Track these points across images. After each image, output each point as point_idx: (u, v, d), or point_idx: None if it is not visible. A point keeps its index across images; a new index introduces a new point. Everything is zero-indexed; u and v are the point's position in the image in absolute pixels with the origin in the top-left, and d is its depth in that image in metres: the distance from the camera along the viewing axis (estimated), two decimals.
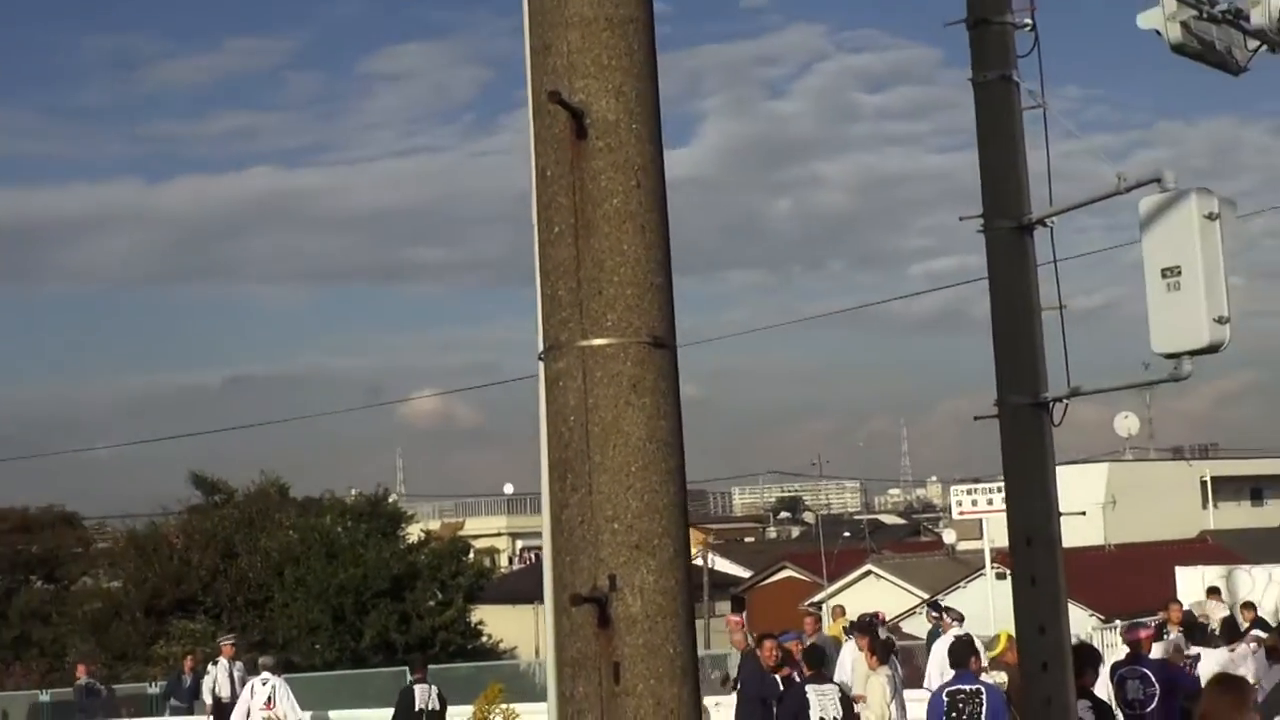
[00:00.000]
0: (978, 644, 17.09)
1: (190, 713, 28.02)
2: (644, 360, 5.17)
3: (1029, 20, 10.82)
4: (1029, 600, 11.01)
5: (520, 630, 56.29)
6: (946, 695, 14.47)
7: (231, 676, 26.23)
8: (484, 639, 52.26)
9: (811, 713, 16.52)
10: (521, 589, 63.29)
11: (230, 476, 57.71)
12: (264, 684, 25.08)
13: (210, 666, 27.67)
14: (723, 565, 69.65)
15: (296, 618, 49.44)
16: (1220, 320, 9.67)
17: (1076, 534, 47.93)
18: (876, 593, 47.98)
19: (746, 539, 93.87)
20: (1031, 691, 10.93)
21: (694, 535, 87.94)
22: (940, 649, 21.01)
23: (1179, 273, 9.84)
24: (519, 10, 6.13)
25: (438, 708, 22.94)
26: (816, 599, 51.73)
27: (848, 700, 17.00)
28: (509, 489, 73.61)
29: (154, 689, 35.23)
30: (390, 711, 23.62)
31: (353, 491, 56.51)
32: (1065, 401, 10.81)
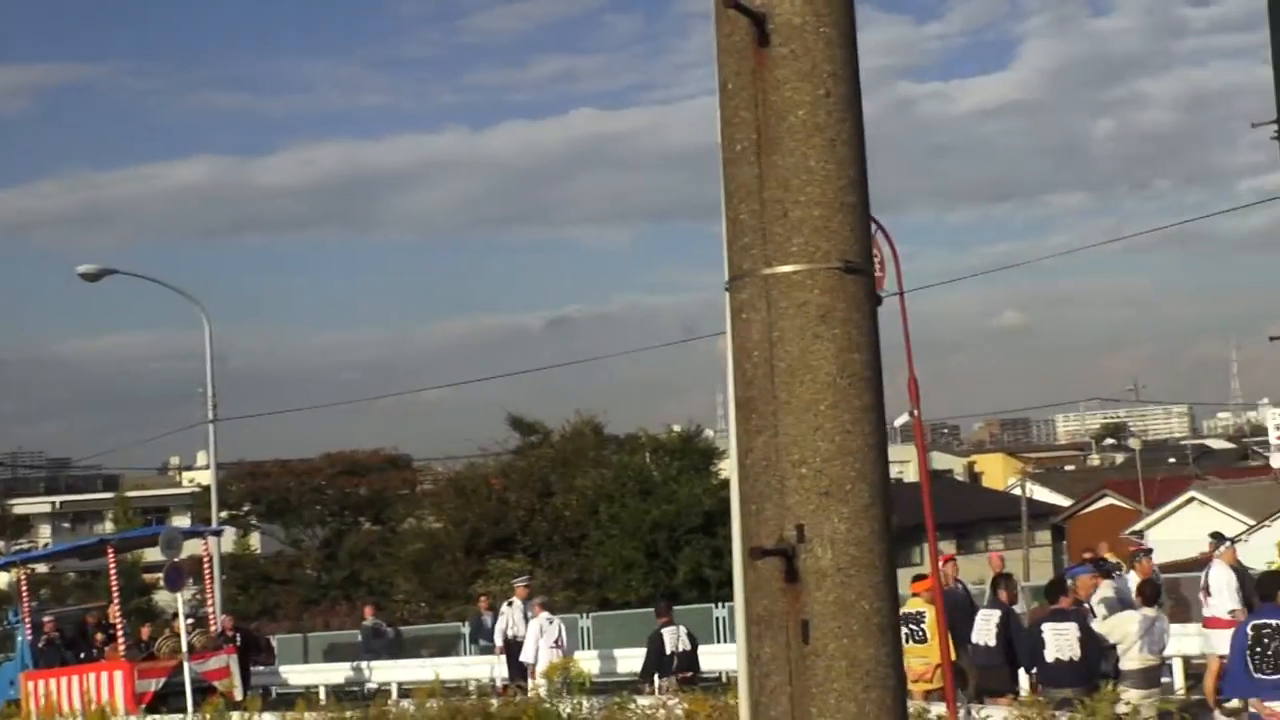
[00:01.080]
0: None
1: (493, 652, 28.32)
2: (834, 288, 4.67)
3: None
4: None
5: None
6: (1251, 629, 13.58)
7: (525, 617, 26.42)
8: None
9: (1047, 651, 16.08)
10: None
11: (548, 417, 58.44)
12: (550, 623, 25.27)
13: (504, 608, 27.92)
14: (1042, 494, 68.17)
15: (611, 555, 49.85)
16: None
17: None
18: (1200, 519, 46.15)
19: (1067, 467, 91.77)
20: None
21: (1012, 464, 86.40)
22: (1222, 577, 20.00)
23: None
24: None
25: (689, 648, 22.54)
26: (1137, 526, 50.21)
27: (1090, 637, 16.29)
28: (897, 422, 72.34)
29: (465, 628, 35.82)
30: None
31: (673, 428, 56.57)
32: None
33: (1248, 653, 13.27)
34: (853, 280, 4.71)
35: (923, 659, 18.57)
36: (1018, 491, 63.55)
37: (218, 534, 32.20)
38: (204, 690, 25.25)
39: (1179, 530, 42.17)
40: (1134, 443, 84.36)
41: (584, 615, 37.18)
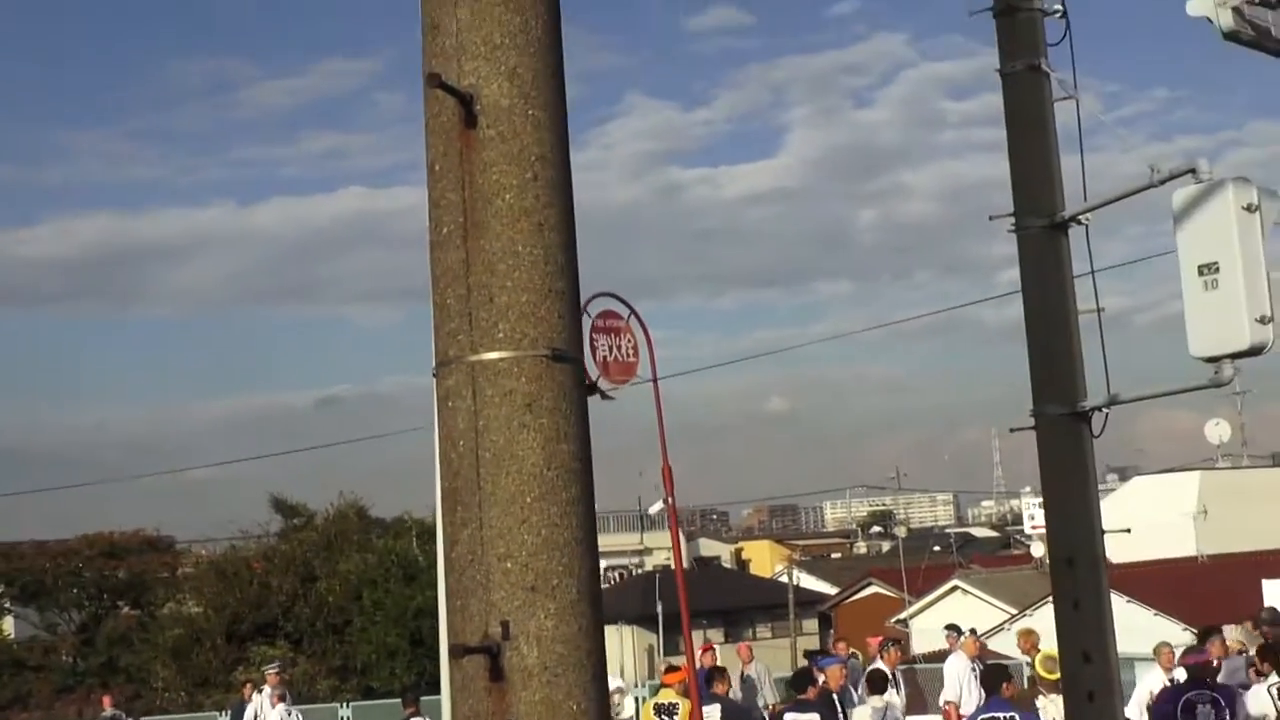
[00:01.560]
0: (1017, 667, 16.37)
1: None
2: (541, 376, 4.54)
3: (1059, 6, 10.19)
4: (1073, 626, 10.30)
5: (608, 650, 55.65)
6: None
7: (267, 706, 26.08)
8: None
9: None
10: (606, 608, 62.77)
11: (314, 499, 57.58)
12: (289, 714, 25.01)
13: (255, 695, 27.36)
14: (809, 581, 68.76)
15: (375, 642, 49.09)
16: (1263, 320, 8.95)
17: (1168, 545, 46.70)
18: (963, 608, 46.91)
19: (834, 554, 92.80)
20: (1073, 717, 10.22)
21: (780, 550, 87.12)
22: (951, 668, 20.30)
23: (1216, 269, 9.13)
24: None
25: None
26: (902, 615, 50.83)
27: None
28: (652, 510, 72.36)
29: (223, 717, 34.93)
30: None
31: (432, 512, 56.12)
32: (1105, 410, 10.11)
33: None
34: (560, 369, 4.58)
35: None
36: (785, 579, 64.01)
37: None
38: None
39: (942, 618, 42.69)
40: (900, 530, 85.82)
41: (344, 704, 36.53)
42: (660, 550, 77.69)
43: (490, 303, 4.55)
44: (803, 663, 22.51)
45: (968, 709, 18.60)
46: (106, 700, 35.60)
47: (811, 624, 60.96)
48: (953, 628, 23.14)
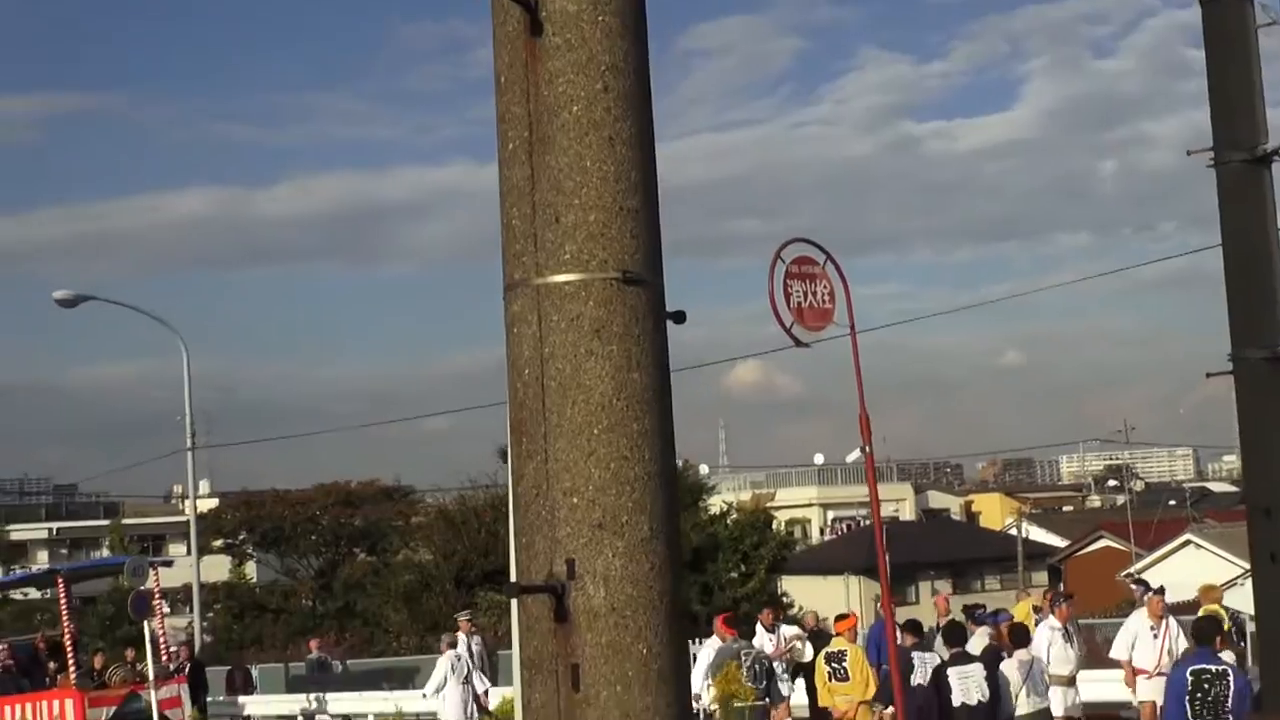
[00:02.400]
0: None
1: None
2: (610, 300, 4.26)
3: None
4: (1270, 580, 9.75)
5: (832, 601, 55.31)
6: (1190, 674, 13.11)
7: (470, 650, 26.22)
8: (792, 610, 51.42)
9: (954, 695, 15.73)
10: (832, 559, 62.42)
11: None
12: (459, 659, 25.32)
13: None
14: (1039, 534, 67.58)
15: None
16: None
17: None
18: (1196, 562, 45.60)
19: (1066, 508, 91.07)
20: (1268, 677, 9.67)
21: (1010, 504, 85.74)
22: (1128, 625, 19.40)
23: None
24: None
25: None
26: (1133, 568, 49.63)
27: (995, 681, 15.98)
28: (819, 459, 72.55)
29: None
30: None
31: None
32: None
33: (1186, 699, 12.82)
34: (632, 292, 4.30)
35: (846, 697, 18.50)
36: (1014, 532, 62.98)
37: (168, 564, 31.95)
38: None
39: (1174, 573, 41.59)
40: (1136, 484, 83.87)
41: None
42: (889, 501, 77.11)
43: (556, 222, 4.29)
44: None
45: (1143, 664, 17.97)
46: (313, 644, 36.26)
47: (1041, 576, 59.86)
48: (1140, 583, 22.19)
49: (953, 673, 15.92)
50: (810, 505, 77.61)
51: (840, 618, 20.65)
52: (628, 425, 4.23)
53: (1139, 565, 48.97)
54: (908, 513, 77.20)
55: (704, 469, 64.43)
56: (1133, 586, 21.55)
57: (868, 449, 15.90)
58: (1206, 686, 12.63)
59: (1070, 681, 18.86)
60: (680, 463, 55.08)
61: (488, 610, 50.95)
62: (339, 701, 30.34)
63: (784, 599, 51.49)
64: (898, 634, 16.50)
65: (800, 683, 21.06)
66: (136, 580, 25.95)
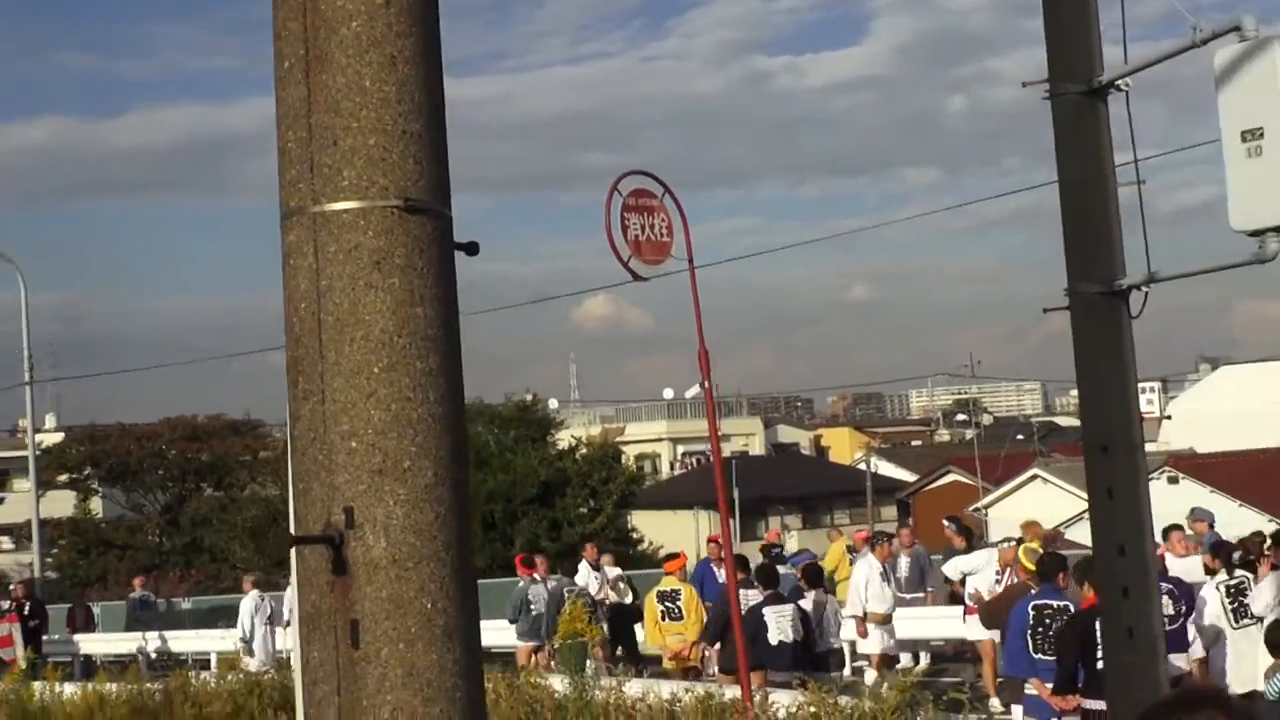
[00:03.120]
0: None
1: None
2: (392, 229, 3.98)
3: None
4: (1107, 517, 9.65)
5: (681, 535, 55.47)
6: (1032, 609, 13.33)
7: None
8: (642, 546, 51.51)
9: (770, 635, 15.95)
10: (681, 494, 62.53)
11: None
12: (262, 599, 25.29)
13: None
14: (889, 469, 68.25)
15: None
16: None
17: (1257, 435, 45.70)
18: (1043, 496, 46.23)
19: (915, 443, 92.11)
20: (1110, 620, 9.60)
21: (859, 438, 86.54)
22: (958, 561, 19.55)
23: (1261, 135, 8.37)
24: None
25: None
26: (980, 503, 50.27)
27: (807, 621, 16.35)
28: (668, 393, 72.25)
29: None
30: None
31: (510, 398, 55.88)
32: (1144, 289, 9.41)
33: (1028, 633, 13.07)
34: (416, 221, 4.01)
35: (679, 636, 18.69)
36: (863, 466, 63.56)
37: None
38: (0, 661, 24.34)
39: (1021, 507, 42.16)
40: (986, 419, 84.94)
41: None
42: (739, 436, 77.40)
43: (334, 146, 3.99)
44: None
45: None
46: (136, 582, 35.81)
47: (890, 511, 60.50)
48: (952, 519, 22.56)
49: (768, 612, 16.07)
50: (660, 440, 77.63)
51: (670, 557, 21.08)
52: (411, 364, 3.96)
53: (986, 500, 49.60)
54: (757, 447, 77.53)
55: (553, 403, 64.25)
56: (945, 523, 21.64)
57: (707, 384, 15.78)
58: (1048, 621, 12.86)
59: (886, 620, 19.14)
60: (529, 397, 55.00)
61: None
62: (179, 640, 29.82)
63: (633, 534, 51.57)
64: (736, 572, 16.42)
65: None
66: None
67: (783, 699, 13.80)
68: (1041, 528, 20.25)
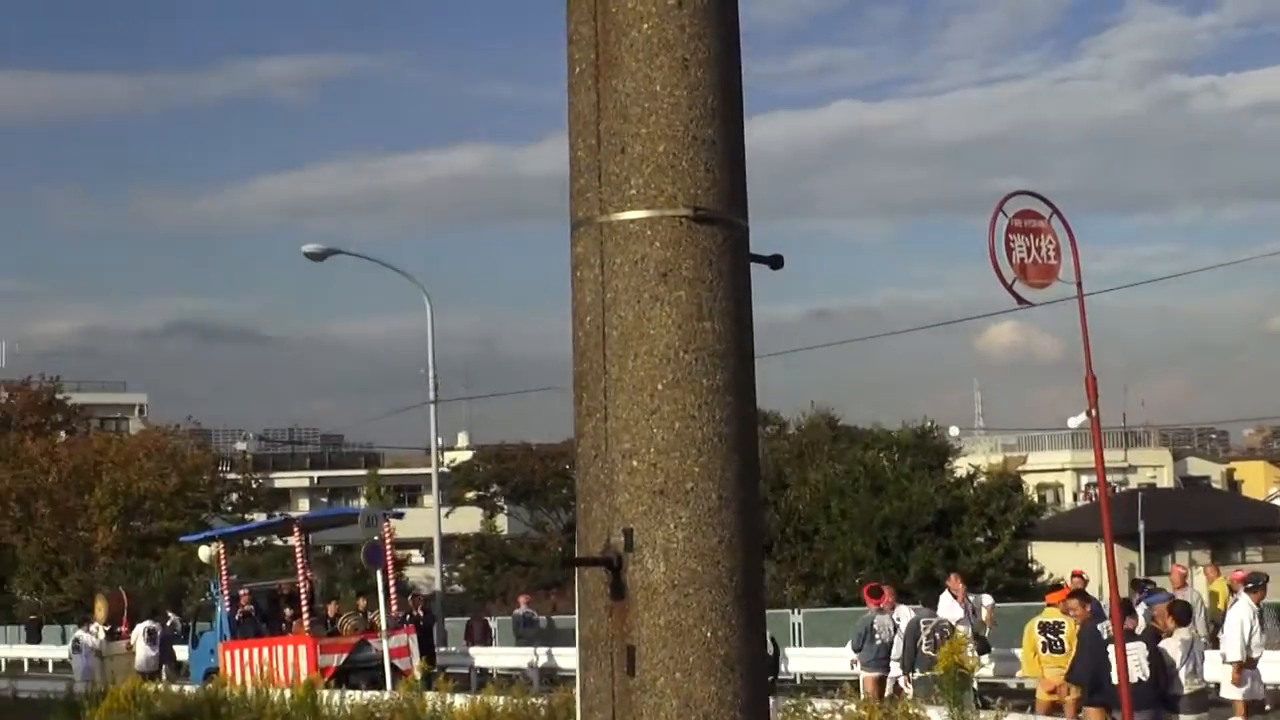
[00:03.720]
0: None
1: None
2: (680, 239, 3.81)
3: None
4: None
5: (1082, 567, 54.02)
6: None
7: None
8: (1041, 577, 50.28)
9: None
10: (1084, 525, 60.77)
11: (779, 406, 57.77)
12: None
13: None
14: None
15: (842, 550, 48.94)
16: None
17: None
18: None
19: None
20: None
21: (1274, 472, 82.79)
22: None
23: None
24: None
25: (771, 652, 21.96)
26: None
27: (1157, 660, 15.66)
28: (1073, 423, 69.96)
29: None
30: None
31: (906, 425, 55.36)
32: None
33: None
34: (705, 231, 3.84)
35: (1057, 670, 18.07)
36: (1278, 501, 60.76)
37: (399, 516, 32.43)
38: (395, 669, 25.16)
39: None
40: None
41: (794, 611, 36.38)
42: (1145, 467, 74.96)
43: (622, 154, 3.85)
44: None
45: None
46: (522, 600, 36.48)
47: None
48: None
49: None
50: (1063, 470, 75.68)
51: (1056, 588, 20.32)
52: (696, 380, 3.78)
53: None
54: (1166, 479, 74.89)
55: (954, 431, 63.28)
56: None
57: (1094, 412, 15.22)
58: None
59: (1253, 665, 18.39)
60: (927, 423, 54.28)
61: None
62: (564, 657, 30.34)
63: (1032, 564, 50.41)
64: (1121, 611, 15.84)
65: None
66: (370, 531, 26.41)
67: None
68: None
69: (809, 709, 17.06)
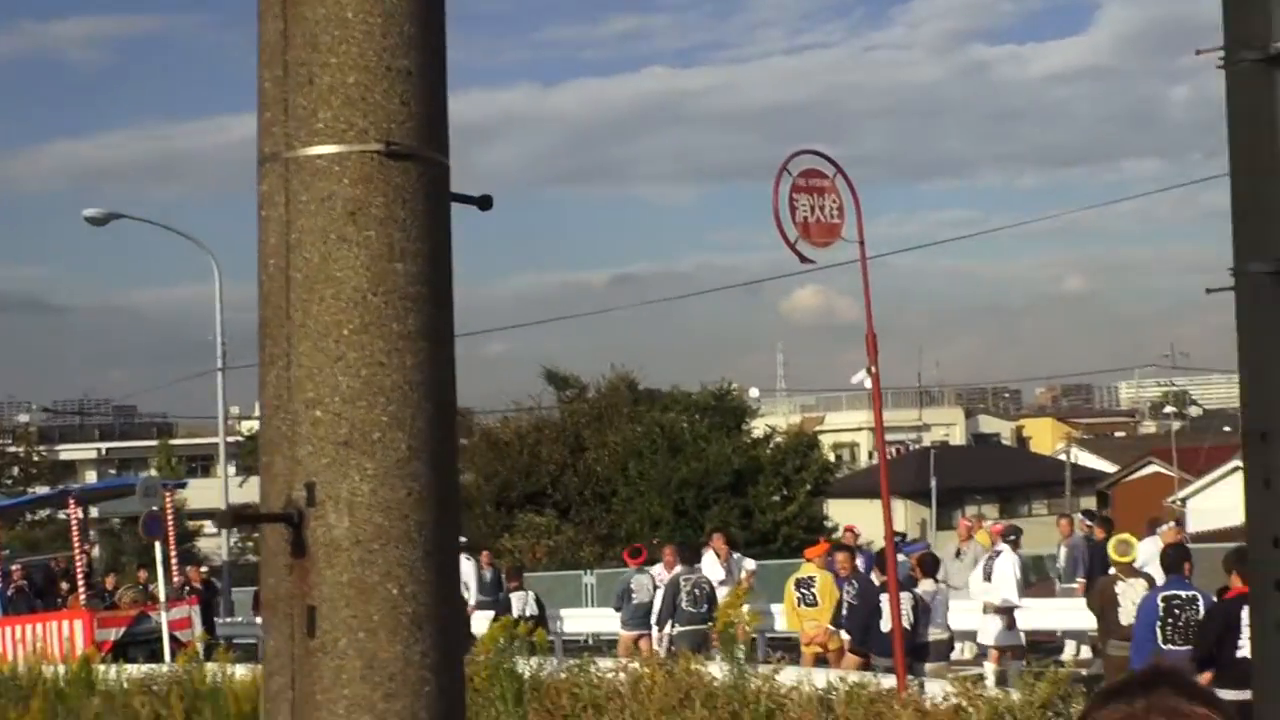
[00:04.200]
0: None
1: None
2: (370, 176, 3.59)
3: None
4: (1262, 507, 8.99)
5: (877, 524, 54.91)
6: (1161, 600, 13.69)
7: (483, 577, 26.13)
8: (836, 534, 50.98)
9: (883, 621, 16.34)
10: (878, 483, 61.83)
11: (584, 372, 57.86)
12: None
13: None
14: (1090, 460, 66.81)
15: (640, 512, 49.23)
16: None
17: None
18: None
19: (1118, 434, 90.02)
20: (1260, 613, 8.98)
21: (1060, 429, 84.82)
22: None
23: None
24: None
25: (535, 613, 22.68)
26: (1180, 495, 48.97)
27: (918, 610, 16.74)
28: (855, 379, 70.36)
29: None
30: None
31: (705, 386, 55.70)
32: None
33: (1158, 624, 13.13)
34: (399, 168, 3.62)
35: (813, 622, 18.92)
36: (1064, 457, 62.30)
37: (182, 486, 31.97)
38: (176, 641, 24.65)
39: (1221, 499, 40.96)
40: (1192, 410, 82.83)
41: (587, 571, 36.60)
42: (939, 425, 76.34)
43: (310, 85, 3.62)
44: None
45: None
46: None
47: (1089, 502, 59.19)
48: (1089, 513, 22.96)
49: (883, 600, 16.36)
50: (860, 429, 76.75)
51: (811, 545, 21.36)
52: (386, 325, 3.58)
53: (1185, 491, 48.25)
54: (958, 437, 76.43)
55: (754, 392, 63.76)
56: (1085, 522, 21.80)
57: (874, 369, 15.35)
58: (1178, 611, 12.89)
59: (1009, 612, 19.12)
60: (727, 386, 54.68)
61: (527, 532, 50.89)
62: None
63: (827, 522, 51.10)
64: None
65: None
66: (148, 502, 25.88)
67: (931, 689, 13.57)
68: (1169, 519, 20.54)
69: (592, 668, 17.04)
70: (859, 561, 20.09)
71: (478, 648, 20.15)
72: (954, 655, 21.35)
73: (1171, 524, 20.04)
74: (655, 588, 22.21)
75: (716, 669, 15.50)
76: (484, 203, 4.01)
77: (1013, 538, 20.33)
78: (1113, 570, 16.08)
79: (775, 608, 22.09)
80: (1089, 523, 21.38)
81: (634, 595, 22.44)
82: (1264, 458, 9.08)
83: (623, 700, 15.23)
